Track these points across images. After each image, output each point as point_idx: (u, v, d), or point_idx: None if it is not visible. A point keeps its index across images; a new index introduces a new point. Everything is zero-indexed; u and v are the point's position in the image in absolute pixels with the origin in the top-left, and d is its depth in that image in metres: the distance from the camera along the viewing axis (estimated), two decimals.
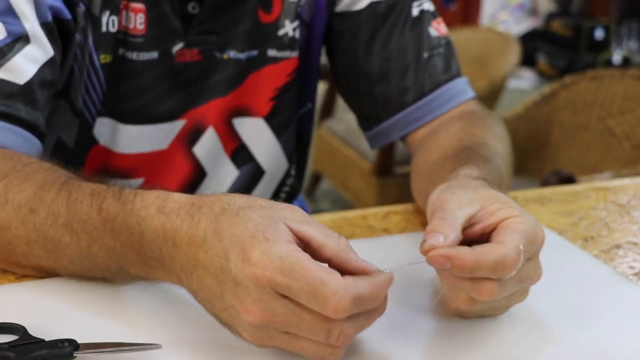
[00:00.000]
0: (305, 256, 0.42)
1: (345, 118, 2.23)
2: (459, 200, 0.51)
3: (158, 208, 0.46)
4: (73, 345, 0.44)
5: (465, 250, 0.46)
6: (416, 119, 0.76)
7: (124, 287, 0.54)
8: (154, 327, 0.50)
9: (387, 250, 0.63)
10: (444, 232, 0.48)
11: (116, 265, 0.50)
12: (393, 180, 1.97)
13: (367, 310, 0.44)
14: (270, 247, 0.42)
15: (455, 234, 0.48)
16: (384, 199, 1.98)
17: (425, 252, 0.47)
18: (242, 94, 0.76)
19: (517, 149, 1.55)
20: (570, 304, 0.58)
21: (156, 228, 0.46)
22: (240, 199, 0.46)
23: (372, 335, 0.50)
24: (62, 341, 0.44)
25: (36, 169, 0.54)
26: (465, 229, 0.50)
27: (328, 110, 2.31)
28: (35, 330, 0.46)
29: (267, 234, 0.43)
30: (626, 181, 0.87)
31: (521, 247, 0.47)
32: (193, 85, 0.73)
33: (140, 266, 0.49)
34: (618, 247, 0.69)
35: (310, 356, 0.44)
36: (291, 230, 0.44)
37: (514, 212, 0.49)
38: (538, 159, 1.90)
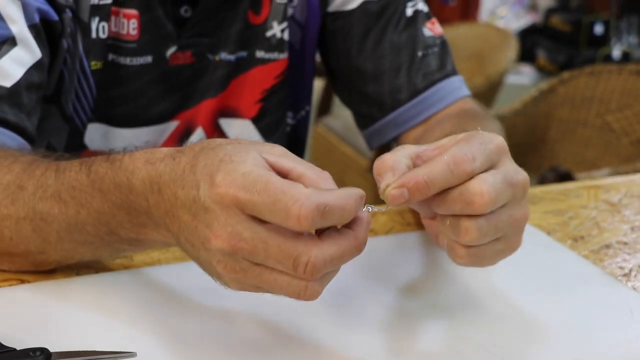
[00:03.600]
0: (270, 173, 0.42)
1: (342, 114, 2.22)
2: (409, 148, 0.49)
3: (146, 160, 0.47)
4: (45, 354, 0.44)
5: (413, 170, 0.45)
6: (410, 117, 0.76)
7: (98, 294, 0.54)
8: (129, 334, 0.49)
9: (371, 252, 0.62)
10: (390, 168, 0.46)
11: (105, 229, 0.50)
12: None
13: (339, 239, 0.42)
14: (235, 167, 0.42)
15: (401, 165, 0.46)
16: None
17: (382, 196, 0.46)
18: (229, 95, 0.77)
19: (514, 145, 1.54)
20: (558, 305, 0.57)
21: (144, 178, 0.47)
22: (223, 139, 0.46)
23: (360, 336, 0.50)
24: (34, 350, 0.44)
25: (24, 154, 0.56)
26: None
27: (325, 107, 2.32)
28: (5, 339, 0.46)
29: (234, 157, 0.43)
30: (618, 179, 0.86)
31: (470, 148, 0.45)
32: (186, 87, 0.74)
33: (129, 226, 0.49)
34: (608, 247, 0.68)
35: (284, 292, 0.43)
36: (267, 161, 0.43)
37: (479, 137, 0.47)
38: (536, 155, 1.89)
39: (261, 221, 0.42)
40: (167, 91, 0.73)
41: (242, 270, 0.43)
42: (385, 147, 1.95)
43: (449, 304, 0.56)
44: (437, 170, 0.45)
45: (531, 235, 0.68)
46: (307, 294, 0.42)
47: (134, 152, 0.49)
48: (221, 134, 0.78)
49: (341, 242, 0.42)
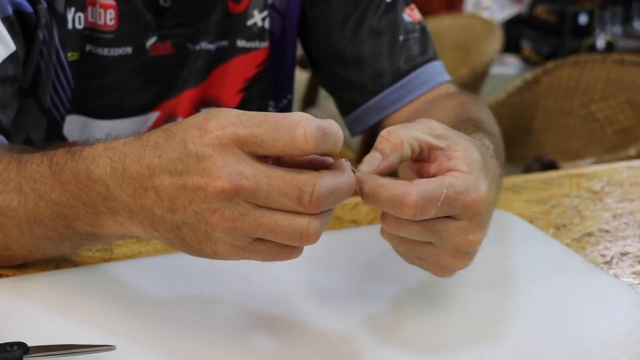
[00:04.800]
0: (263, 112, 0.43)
1: (328, 106, 2.21)
2: (425, 126, 0.49)
3: (105, 146, 0.47)
4: (22, 348, 0.43)
5: (371, 178, 0.46)
6: (393, 101, 0.76)
7: (77, 287, 0.53)
8: (108, 328, 0.49)
9: (354, 242, 0.63)
10: (383, 153, 0.47)
11: (63, 223, 0.50)
12: None
13: (335, 173, 0.43)
14: (226, 113, 0.43)
15: (395, 155, 0.47)
16: None
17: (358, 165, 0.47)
18: (210, 85, 0.76)
19: None
20: (540, 294, 0.57)
21: (104, 163, 0.46)
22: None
23: (345, 327, 0.50)
24: (11, 344, 0.43)
25: None
26: (419, 160, 0.49)
27: (311, 98, 2.31)
28: None
29: (221, 109, 0.44)
30: (600, 167, 0.86)
31: (433, 197, 0.45)
32: (167, 77, 0.74)
33: (85, 217, 0.48)
34: (590, 235, 0.68)
35: (285, 234, 0.43)
36: None
37: (461, 168, 0.47)
38: (521, 145, 1.90)
39: (260, 159, 0.42)
40: (147, 82, 0.73)
41: (240, 216, 0.42)
42: (369, 134, 1.94)
43: (431, 293, 0.56)
44: (381, 195, 0.45)
45: (514, 224, 0.69)
46: (309, 233, 0.42)
47: (94, 143, 0.48)
48: None
49: (338, 176, 0.43)
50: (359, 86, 0.77)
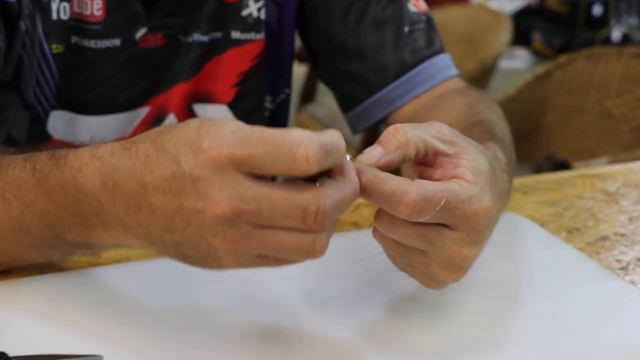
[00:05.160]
0: (259, 127, 0.43)
1: (327, 102, 2.22)
2: (435, 130, 0.50)
3: (91, 155, 0.47)
4: (3, 358, 0.43)
5: (371, 170, 0.46)
6: (398, 96, 0.76)
7: (61, 293, 0.53)
8: (95, 337, 0.49)
9: (354, 245, 0.63)
10: (386, 148, 0.47)
11: (51, 233, 0.50)
12: None
13: (338, 184, 0.43)
14: (219, 129, 0.43)
15: (397, 152, 0.47)
16: None
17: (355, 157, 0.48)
18: (203, 79, 0.76)
19: None
20: (553, 301, 0.57)
21: (92, 175, 0.46)
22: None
23: (345, 334, 0.50)
24: None
25: None
26: (424, 163, 0.49)
27: (309, 94, 2.31)
28: None
29: (213, 122, 0.43)
30: (615, 167, 0.86)
31: (433, 200, 0.46)
32: (157, 71, 0.74)
33: (77, 228, 0.48)
34: (605, 238, 0.68)
35: (292, 253, 0.43)
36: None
37: (467, 177, 0.48)
38: (531, 144, 1.90)
39: (259, 179, 0.42)
40: (136, 75, 0.73)
41: (243, 237, 0.43)
42: (372, 132, 1.96)
43: (435, 301, 0.56)
44: (379, 189, 0.46)
45: (524, 227, 0.69)
46: (315, 249, 0.43)
47: (77, 148, 0.48)
48: None
49: (341, 187, 0.44)
50: (361, 80, 0.77)
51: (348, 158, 0.45)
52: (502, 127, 0.67)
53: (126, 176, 0.45)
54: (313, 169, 0.42)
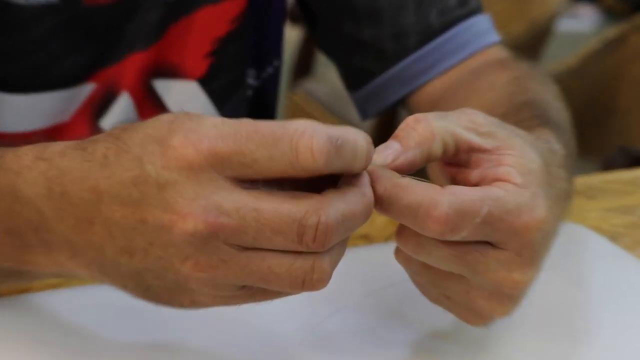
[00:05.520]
0: (248, 119, 0.43)
1: (328, 76, 2.22)
2: (468, 119, 0.50)
3: (35, 155, 0.47)
4: None
5: (388, 175, 0.47)
6: (423, 70, 0.77)
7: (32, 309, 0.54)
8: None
9: (368, 267, 0.63)
10: (404, 144, 0.48)
11: None
12: None
13: (344, 193, 0.44)
14: (197, 123, 0.43)
15: (420, 150, 0.48)
16: None
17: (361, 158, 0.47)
18: (166, 46, 0.77)
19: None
20: (629, 340, 0.58)
21: (35, 181, 0.46)
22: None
23: None
24: None
25: None
26: (456, 163, 0.50)
27: (305, 66, 2.32)
28: None
29: (190, 115, 0.44)
30: None
31: (471, 212, 0.46)
32: (106, 35, 0.74)
33: (9, 250, 0.48)
34: None
35: (285, 282, 0.43)
36: None
37: (514, 179, 0.48)
38: (599, 131, 1.91)
39: (245, 184, 0.43)
40: (78, 42, 0.73)
41: (221, 263, 0.43)
42: (390, 117, 1.92)
43: (480, 339, 0.57)
44: (401, 200, 0.46)
45: (587, 241, 0.70)
46: (315, 277, 0.43)
47: (19, 148, 0.48)
48: (155, 100, 0.78)
49: (348, 198, 0.44)
50: (374, 49, 0.77)
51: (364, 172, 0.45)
52: (558, 110, 0.67)
53: (77, 182, 0.45)
54: (320, 164, 0.42)
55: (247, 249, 0.43)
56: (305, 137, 0.41)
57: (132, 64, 0.76)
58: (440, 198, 0.45)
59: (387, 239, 0.69)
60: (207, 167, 0.42)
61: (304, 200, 0.42)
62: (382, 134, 1.96)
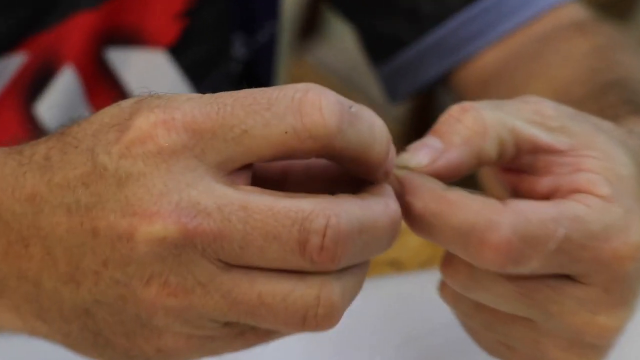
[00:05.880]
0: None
1: (343, 40, 2.23)
2: (532, 109, 0.50)
3: None
4: None
5: (429, 185, 0.47)
6: (469, 38, 0.79)
7: None
8: None
9: (394, 302, 0.64)
10: (448, 140, 0.48)
11: None
12: None
13: (361, 198, 0.44)
14: (167, 100, 0.43)
15: (467, 149, 0.48)
16: None
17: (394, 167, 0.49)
18: (123, 4, 0.78)
19: None
20: None
21: None
22: None
23: None
24: None
25: None
26: (518, 169, 0.51)
27: (311, 25, 2.34)
28: None
29: (159, 94, 0.44)
30: None
31: (542, 236, 0.46)
32: None
33: None
34: None
35: (280, 316, 0.43)
36: None
37: (598, 189, 0.48)
38: None
39: (231, 177, 0.43)
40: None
41: (199, 286, 0.43)
42: (424, 104, 1.94)
43: None
44: (449, 220, 0.46)
45: None
46: (319, 313, 0.43)
47: None
48: (109, 76, 0.79)
49: (368, 204, 0.44)
50: (408, 11, 0.79)
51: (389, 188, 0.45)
52: None
53: (9, 193, 0.45)
54: (332, 127, 0.42)
55: (232, 266, 0.43)
56: (310, 94, 0.42)
57: (77, 27, 0.76)
58: (500, 218, 0.45)
59: (422, 266, 0.69)
60: (183, 151, 0.42)
61: (307, 198, 0.42)
62: (417, 126, 1.97)
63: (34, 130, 0.77)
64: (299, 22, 2.33)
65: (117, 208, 0.42)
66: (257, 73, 0.87)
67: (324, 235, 0.42)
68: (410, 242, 0.69)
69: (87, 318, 0.45)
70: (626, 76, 0.67)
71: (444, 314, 0.53)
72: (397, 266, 0.69)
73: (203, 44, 0.81)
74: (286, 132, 0.42)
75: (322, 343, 0.58)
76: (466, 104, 0.48)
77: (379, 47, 0.82)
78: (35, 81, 0.77)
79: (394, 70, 0.82)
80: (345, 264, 0.43)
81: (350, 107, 0.43)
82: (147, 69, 0.80)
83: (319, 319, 0.43)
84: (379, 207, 0.44)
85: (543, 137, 0.49)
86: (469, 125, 0.48)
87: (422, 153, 0.47)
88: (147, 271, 0.42)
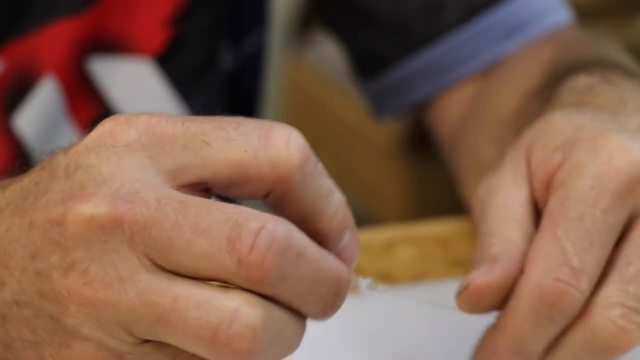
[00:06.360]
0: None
1: (332, 56, 2.22)
2: (511, 175, 0.56)
3: None
4: None
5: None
6: (460, 61, 0.79)
7: None
8: None
9: (384, 317, 0.63)
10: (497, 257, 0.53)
11: None
12: (433, 163, 1.97)
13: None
14: (145, 114, 0.44)
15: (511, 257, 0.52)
16: (416, 200, 2.03)
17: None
18: (107, 11, 0.77)
19: None
20: None
21: None
22: None
23: None
24: None
25: None
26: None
27: (306, 28, 2.33)
28: None
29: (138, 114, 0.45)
30: None
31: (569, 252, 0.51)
32: None
33: None
34: None
35: (187, 329, 0.41)
36: None
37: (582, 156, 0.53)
38: None
39: (183, 190, 0.44)
40: None
41: (117, 281, 0.42)
42: (416, 125, 1.91)
43: None
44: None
45: None
46: (233, 329, 0.41)
47: None
48: (92, 88, 0.79)
49: (317, 247, 0.43)
50: (397, 28, 0.79)
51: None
52: (618, 60, 0.71)
53: None
54: (294, 161, 0.42)
55: (156, 267, 0.42)
56: (282, 127, 0.43)
57: (56, 35, 0.76)
58: None
59: (413, 279, 0.69)
60: (137, 148, 0.43)
61: (246, 209, 0.42)
62: (417, 125, 1.95)
63: (13, 144, 0.77)
64: (295, 26, 2.33)
65: (58, 198, 0.43)
66: (244, 83, 0.87)
67: (256, 236, 0.41)
68: (402, 254, 0.70)
69: (2, 327, 0.45)
70: (583, 57, 0.70)
71: (435, 328, 0.54)
72: (388, 278, 0.68)
73: (192, 53, 0.81)
74: (246, 151, 0.42)
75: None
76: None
77: (364, 65, 0.83)
78: (14, 92, 0.76)
79: (382, 89, 0.82)
80: (274, 287, 0.42)
81: (317, 162, 0.44)
82: (132, 80, 0.80)
83: (231, 335, 0.41)
84: (328, 255, 0.44)
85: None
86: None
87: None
88: (69, 258, 0.42)
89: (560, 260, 0.51)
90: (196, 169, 0.43)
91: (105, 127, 0.44)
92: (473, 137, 0.75)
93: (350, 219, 0.45)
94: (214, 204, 0.42)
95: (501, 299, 0.52)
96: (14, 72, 0.75)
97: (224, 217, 0.41)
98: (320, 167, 0.44)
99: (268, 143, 0.42)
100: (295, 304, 0.43)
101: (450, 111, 0.79)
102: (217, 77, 0.84)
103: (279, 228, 0.41)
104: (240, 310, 0.41)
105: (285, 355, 0.44)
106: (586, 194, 0.52)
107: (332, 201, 0.44)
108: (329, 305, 0.44)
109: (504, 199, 0.55)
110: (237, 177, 0.43)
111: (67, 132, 0.79)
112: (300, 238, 0.42)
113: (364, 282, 0.47)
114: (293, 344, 0.44)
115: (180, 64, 0.80)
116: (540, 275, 0.51)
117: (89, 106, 0.79)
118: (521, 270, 0.52)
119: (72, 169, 0.43)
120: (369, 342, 0.62)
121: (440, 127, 0.82)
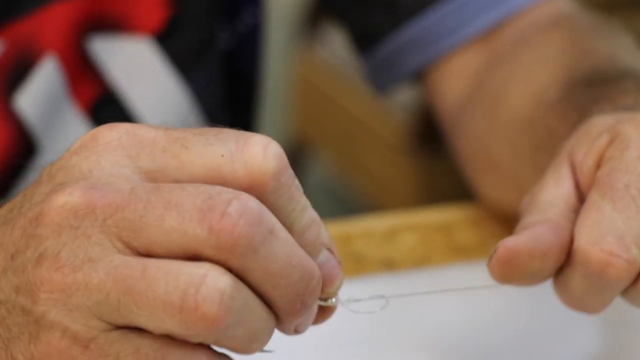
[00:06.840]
0: None
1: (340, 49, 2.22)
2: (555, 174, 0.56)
3: None
4: None
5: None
6: (450, 29, 0.80)
7: None
8: None
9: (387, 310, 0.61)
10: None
11: None
12: (441, 156, 1.97)
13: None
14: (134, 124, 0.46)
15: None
16: (424, 194, 2.04)
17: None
18: None
19: None
20: None
21: None
22: None
23: None
24: None
25: None
26: None
27: (315, 23, 2.32)
28: None
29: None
30: None
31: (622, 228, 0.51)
32: None
33: None
34: None
35: (157, 298, 0.41)
36: None
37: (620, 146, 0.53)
38: None
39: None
40: None
41: (87, 263, 0.42)
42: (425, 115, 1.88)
43: None
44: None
45: None
46: (200, 292, 0.41)
47: None
48: (92, 67, 0.79)
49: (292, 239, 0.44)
50: (384, 3, 0.81)
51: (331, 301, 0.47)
52: (631, 64, 0.70)
53: None
54: (269, 169, 0.43)
55: (128, 249, 0.43)
56: (262, 136, 0.44)
57: (57, 15, 0.76)
58: None
59: (416, 265, 0.69)
60: (117, 148, 0.44)
61: (226, 188, 0.43)
62: (425, 115, 1.97)
63: (14, 125, 0.78)
64: (305, 15, 2.34)
65: (40, 198, 0.44)
66: (241, 66, 0.87)
67: (228, 204, 0.42)
68: (404, 240, 0.70)
69: None
70: (599, 63, 0.69)
71: (438, 314, 0.54)
72: (390, 265, 0.68)
73: (190, 31, 0.81)
74: (223, 155, 0.43)
75: (309, 347, 0.57)
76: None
77: (360, 41, 0.84)
78: (15, 71, 0.76)
79: (376, 62, 0.83)
80: (244, 258, 0.42)
81: (294, 177, 0.45)
82: (132, 59, 0.80)
83: (199, 300, 0.41)
84: (300, 248, 0.44)
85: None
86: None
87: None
88: (42, 247, 0.43)
89: (605, 229, 0.51)
90: (174, 170, 0.44)
91: (89, 133, 0.45)
92: (481, 130, 0.76)
93: (327, 240, 0.46)
94: (188, 185, 0.43)
95: (540, 267, 0.52)
96: (15, 52, 0.76)
97: (196, 191, 0.42)
98: (297, 182, 0.45)
99: (245, 148, 0.43)
100: (265, 286, 0.43)
101: (450, 84, 0.80)
102: (216, 56, 0.84)
103: (252, 201, 0.42)
104: (209, 275, 0.41)
105: (254, 342, 0.44)
106: (632, 163, 0.52)
107: (304, 216, 0.45)
108: (299, 297, 0.44)
109: (545, 197, 0.56)
110: (213, 181, 0.43)
111: (68, 111, 0.80)
112: (273, 218, 0.43)
113: (343, 298, 0.47)
114: (261, 332, 0.44)
115: (179, 43, 0.81)
116: (586, 244, 0.51)
117: (90, 86, 0.80)
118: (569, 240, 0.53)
119: (54, 172, 0.44)
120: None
121: (440, 100, 0.82)
